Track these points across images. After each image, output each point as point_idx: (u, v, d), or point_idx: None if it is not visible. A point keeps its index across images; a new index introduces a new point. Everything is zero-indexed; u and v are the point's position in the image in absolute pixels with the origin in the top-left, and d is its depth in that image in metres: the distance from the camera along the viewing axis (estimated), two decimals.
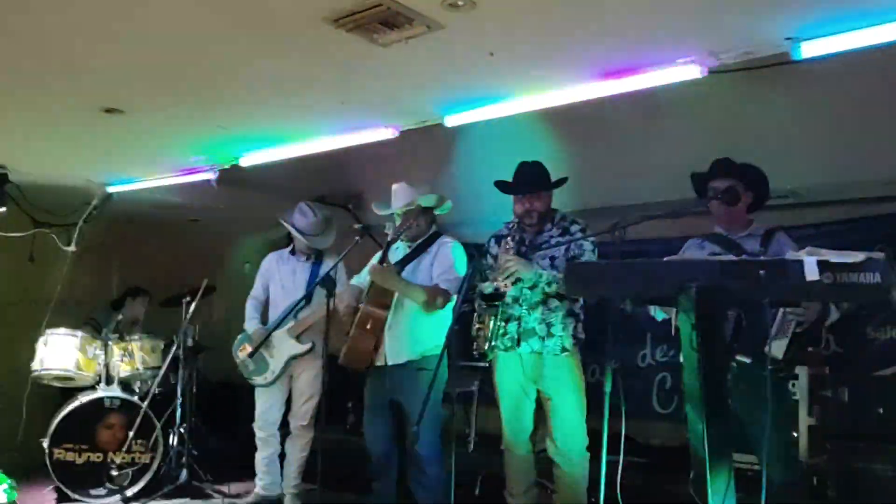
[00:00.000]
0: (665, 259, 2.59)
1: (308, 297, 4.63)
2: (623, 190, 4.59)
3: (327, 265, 4.64)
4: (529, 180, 3.73)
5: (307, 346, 4.61)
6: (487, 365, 4.77)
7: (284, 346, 4.65)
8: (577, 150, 4.35)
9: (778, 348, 3.09)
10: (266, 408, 4.78)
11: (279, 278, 4.85)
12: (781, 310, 3.04)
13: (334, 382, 6.12)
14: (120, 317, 6.05)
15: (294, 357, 4.64)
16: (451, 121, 3.59)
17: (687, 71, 2.90)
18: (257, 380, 4.73)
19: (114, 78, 3.13)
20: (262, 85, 3.23)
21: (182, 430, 5.24)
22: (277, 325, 4.67)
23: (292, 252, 4.87)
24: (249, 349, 4.67)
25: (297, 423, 4.73)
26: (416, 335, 4.00)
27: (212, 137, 4.03)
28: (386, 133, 3.87)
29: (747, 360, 3.10)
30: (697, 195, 3.38)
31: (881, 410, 3.47)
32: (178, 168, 4.79)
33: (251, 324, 4.80)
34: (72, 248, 5.17)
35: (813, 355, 4.24)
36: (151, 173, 4.96)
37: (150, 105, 3.49)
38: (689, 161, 3.46)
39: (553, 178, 3.76)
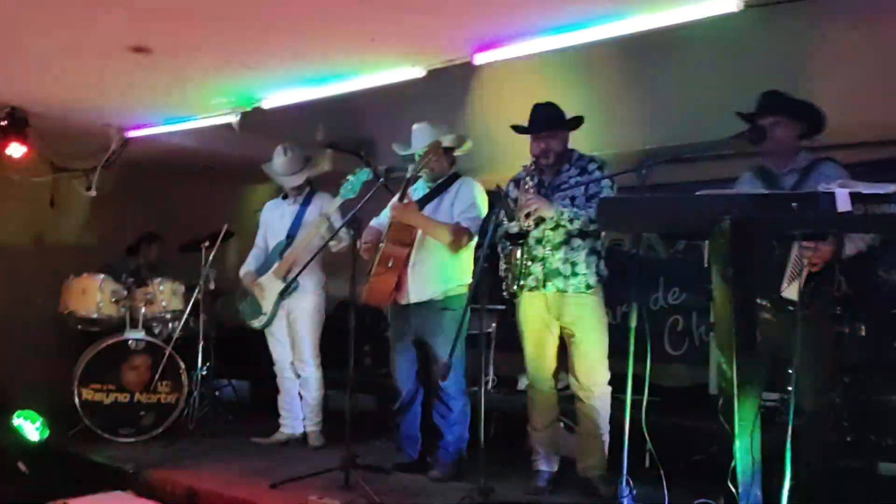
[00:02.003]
0: (697, 193, 2.62)
1: (290, 238, 4.71)
2: (645, 133, 4.57)
3: (316, 205, 4.75)
4: (544, 120, 3.75)
5: (290, 286, 4.62)
6: (504, 308, 4.89)
7: (272, 287, 4.73)
8: (598, 94, 4.35)
9: (792, 291, 3.14)
10: (275, 349, 4.91)
11: (271, 223, 4.94)
12: (794, 251, 3.07)
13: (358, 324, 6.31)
14: (138, 262, 6.16)
15: (282, 296, 4.69)
16: (480, 59, 3.57)
17: (723, 4, 2.86)
18: (254, 323, 4.86)
19: (144, 15, 3.11)
20: (289, 20, 3.20)
21: (205, 372, 5.35)
22: (265, 268, 4.80)
23: (284, 197, 4.94)
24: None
25: (297, 363, 4.83)
26: (439, 274, 4.06)
27: (236, 78, 4.02)
28: (413, 72, 3.86)
29: (764, 302, 3.15)
30: (745, 132, 3.31)
31: None
32: (200, 112, 4.79)
33: (242, 269, 4.94)
34: (92, 192, 5.19)
35: (824, 295, 4.32)
36: (172, 117, 4.95)
37: (176, 43, 3.47)
38: (711, 102, 3.45)
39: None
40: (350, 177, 4.37)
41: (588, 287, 3.71)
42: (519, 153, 3.90)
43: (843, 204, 2.43)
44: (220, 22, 3.29)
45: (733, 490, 2.68)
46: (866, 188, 2.46)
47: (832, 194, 2.46)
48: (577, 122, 3.79)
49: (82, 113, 4.90)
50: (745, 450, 2.69)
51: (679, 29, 3.21)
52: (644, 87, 4.46)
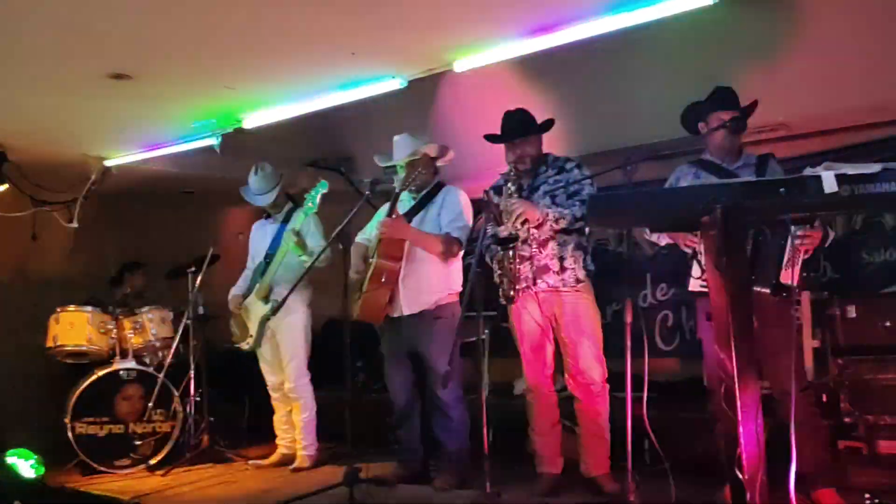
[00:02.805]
0: (686, 185, 2.65)
1: (268, 257, 4.69)
2: (625, 132, 4.62)
3: (300, 220, 4.64)
4: (516, 127, 3.79)
5: (270, 306, 4.59)
6: (494, 314, 4.89)
7: (256, 309, 4.72)
8: (576, 96, 4.39)
9: (789, 277, 3.19)
10: (265, 371, 4.89)
11: (255, 244, 4.95)
12: (791, 239, 3.12)
13: (342, 343, 6.28)
14: (124, 291, 6.10)
15: (267, 318, 4.66)
16: (461, 65, 3.60)
17: None
18: (242, 345, 4.84)
19: (123, 41, 3.10)
20: (269, 41, 3.21)
21: (198, 398, 5.30)
22: (249, 290, 4.79)
23: (267, 216, 4.93)
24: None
25: (287, 385, 4.78)
26: (430, 284, 4.07)
27: (217, 99, 4.01)
28: (393, 84, 3.88)
29: (766, 290, 3.18)
30: (688, 126, 3.40)
31: (888, 324, 3.60)
32: (179, 137, 4.77)
33: (231, 292, 4.92)
34: (74, 224, 5.15)
35: (812, 281, 4.39)
36: (152, 143, 4.92)
37: (157, 68, 3.47)
38: (689, 98, 3.49)
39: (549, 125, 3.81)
40: (311, 191, 4.38)
41: (578, 281, 3.74)
42: (497, 161, 3.95)
43: (830, 185, 2.47)
44: (200, 46, 3.29)
45: (741, 477, 2.70)
46: (851, 169, 2.51)
47: (819, 177, 2.51)
48: (549, 124, 3.83)
49: (61, 144, 4.87)
50: (749, 436, 2.71)
51: (654, 26, 3.25)
52: (621, 86, 4.51)
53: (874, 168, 2.49)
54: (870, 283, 4.59)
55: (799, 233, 3.04)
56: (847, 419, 3.57)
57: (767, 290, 3.15)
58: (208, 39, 3.22)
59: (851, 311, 3.67)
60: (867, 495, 2.51)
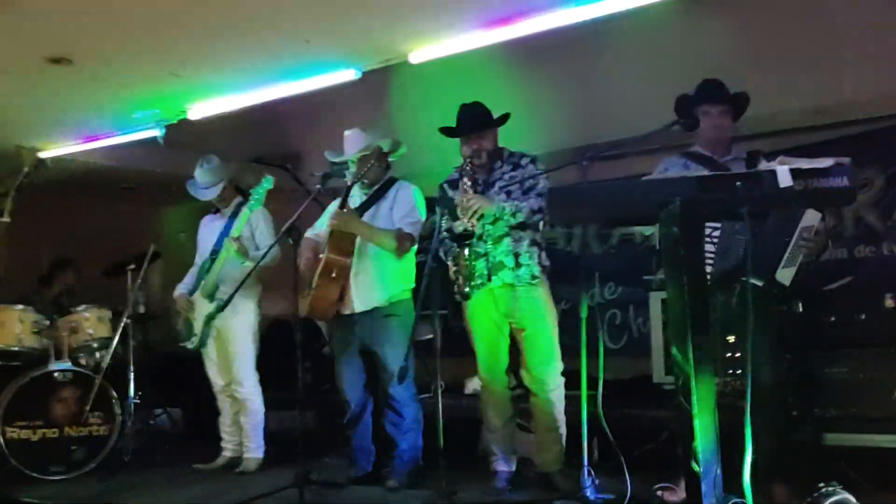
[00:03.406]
0: (645, 178, 2.66)
1: (214, 254, 4.57)
2: (587, 129, 4.62)
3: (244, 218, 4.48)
4: (472, 120, 3.77)
5: (215, 305, 4.48)
6: (445, 312, 4.85)
7: (201, 307, 4.61)
8: (530, 92, 4.38)
9: (786, 276, 3.22)
10: (210, 371, 4.75)
11: (202, 240, 4.82)
12: (794, 238, 3.15)
13: (288, 343, 6.15)
14: (55, 291, 5.86)
15: (212, 317, 4.55)
16: (416, 57, 3.55)
17: None
18: (187, 344, 4.71)
19: (63, 22, 2.94)
20: (220, 25, 3.10)
21: (137, 401, 5.11)
22: (195, 288, 4.66)
23: (216, 211, 4.80)
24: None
25: (234, 385, 4.65)
26: (382, 281, 4.01)
27: (162, 88, 3.86)
28: (348, 74, 3.80)
29: (759, 283, 3.20)
30: (682, 120, 3.39)
31: (833, 319, 3.68)
32: (120, 127, 4.58)
33: (176, 290, 4.77)
34: (6, 218, 4.90)
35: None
36: (91, 134, 4.71)
37: (100, 52, 3.30)
38: (652, 94, 3.51)
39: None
40: (256, 187, 4.25)
41: (534, 277, 3.73)
42: (448, 157, 3.91)
43: (785, 180, 2.51)
44: (146, 28, 3.15)
45: (697, 469, 2.72)
46: (805, 164, 2.56)
47: (774, 172, 2.55)
48: (504, 119, 3.81)
49: None
50: (705, 429, 2.73)
51: (610, 22, 3.26)
52: (576, 84, 4.54)
53: (827, 163, 2.54)
54: (810, 281, 4.70)
55: (806, 235, 3.08)
56: (794, 412, 3.63)
57: (760, 284, 3.16)
58: (155, 22, 3.08)
59: (798, 307, 3.74)
60: (820, 483, 2.53)
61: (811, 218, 3.10)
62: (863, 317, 3.60)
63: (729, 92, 3.39)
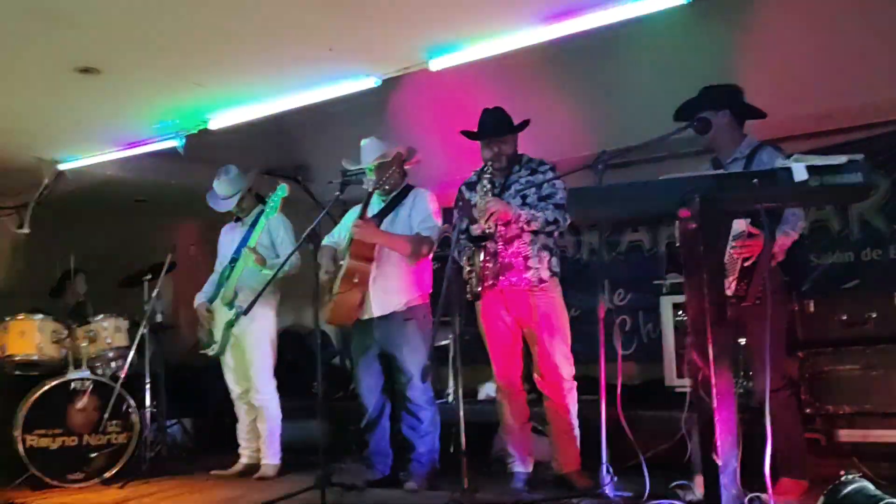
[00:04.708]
0: (663, 177, 2.74)
1: (233, 262, 4.62)
2: (600, 137, 4.68)
3: (260, 226, 4.58)
4: (494, 125, 3.84)
5: (234, 312, 4.55)
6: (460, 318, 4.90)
7: (220, 314, 4.66)
8: (546, 101, 4.46)
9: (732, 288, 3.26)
10: (228, 378, 4.80)
11: (222, 248, 4.87)
12: (727, 251, 3.19)
13: (298, 353, 6.20)
14: (68, 301, 5.92)
15: (231, 324, 4.60)
16: (436, 64, 3.64)
17: None
18: (208, 351, 4.76)
19: (93, 34, 3.02)
20: (244, 35, 3.17)
21: (154, 409, 5.16)
22: (215, 295, 4.71)
23: (237, 220, 4.87)
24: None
25: (252, 392, 4.70)
26: (400, 286, 4.08)
27: (185, 98, 3.94)
28: (368, 83, 3.89)
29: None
30: (694, 122, 3.44)
31: (844, 318, 3.76)
32: (141, 138, 4.66)
33: (196, 297, 4.82)
34: (25, 230, 4.96)
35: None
36: (111, 144, 4.79)
37: (128, 62, 3.39)
38: (666, 104, 3.54)
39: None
40: (272, 195, 4.35)
41: (541, 281, 3.78)
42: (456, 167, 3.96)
43: (800, 174, 2.59)
44: (172, 38, 3.23)
45: (717, 462, 2.77)
46: (820, 160, 2.64)
47: (789, 169, 2.63)
48: (525, 125, 3.90)
49: (14, 146, 4.69)
50: (724, 422, 2.79)
51: (624, 28, 3.34)
52: (592, 91, 4.60)
53: (841, 160, 2.62)
54: (817, 285, 4.78)
55: (735, 242, 3.14)
56: (808, 410, 3.69)
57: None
58: (182, 32, 3.17)
59: (810, 306, 3.82)
60: (841, 471, 2.59)
61: (740, 226, 3.12)
62: (874, 315, 3.67)
63: (717, 95, 3.43)
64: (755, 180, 2.65)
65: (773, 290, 3.24)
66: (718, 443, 2.78)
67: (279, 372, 4.81)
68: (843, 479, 2.56)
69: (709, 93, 3.47)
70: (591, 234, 5.93)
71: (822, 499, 2.56)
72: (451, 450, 4.14)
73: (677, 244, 2.88)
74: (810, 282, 4.69)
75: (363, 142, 4.22)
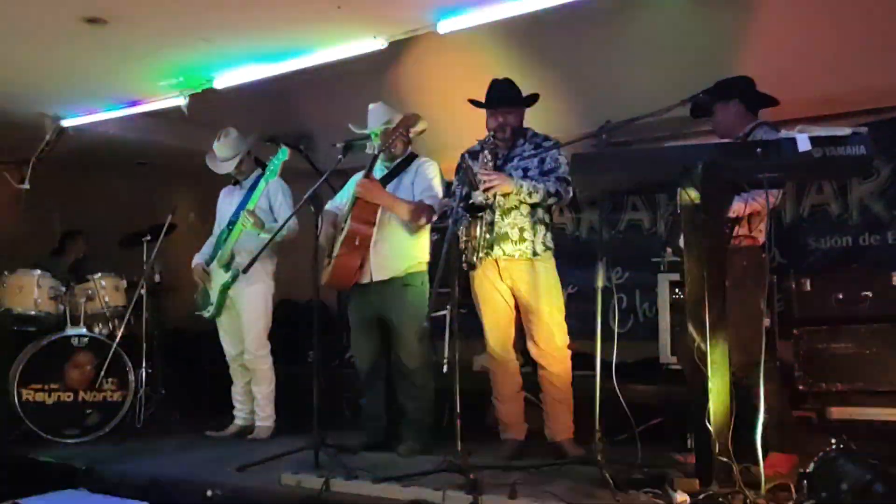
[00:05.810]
0: (667, 145, 2.75)
1: (231, 225, 4.62)
2: (603, 113, 4.68)
3: (260, 190, 4.58)
4: (502, 95, 3.83)
5: (230, 274, 4.57)
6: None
7: (217, 276, 4.67)
8: (552, 76, 4.44)
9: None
10: (224, 341, 4.81)
11: (221, 210, 4.87)
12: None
13: (294, 322, 6.20)
14: (69, 260, 5.93)
15: (227, 286, 4.61)
16: (444, 27, 3.61)
17: None
18: (203, 313, 4.77)
19: None
20: None
21: (150, 370, 5.18)
22: (212, 258, 4.71)
23: (235, 182, 4.86)
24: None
25: (246, 355, 4.71)
26: (400, 252, 4.08)
27: (191, 54, 3.91)
28: (375, 45, 3.87)
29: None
30: (699, 94, 3.44)
31: (840, 296, 3.79)
32: (146, 95, 4.63)
33: (194, 259, 4.83)
34: (25, 185, 4.95)
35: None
36: (115, 101, 4.76)
37: (135, 13, 3.36)
38: (669, 82, 3.54)
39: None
40: (272, 159, 4.35)
41: (535, 253, 3.80)
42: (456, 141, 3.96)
43: (804, 144, 2.61)
44: None
45: (710, 429, 2.80)
46: (823, 131, 2.65)
47: (793, 139, 2.64)
48: (534, 98, 3.89)
49: (17, 100, 4.67)
50: (718, 391, 2.82)
51: (627, 5, 3.33)
52: (591, 68, 4.58)
53: (845, 131, 2.64)
54: (815, 268, 4.81)
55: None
56: (801, 387, 3.73)
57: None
58: None
59: (806, 285, 3.85)
60: (833, 439, 2.62)
61: None
62: (869, 294, 3.69)
63: (713, 88, 3.41)
64: (759, 150, 2.66)
65: (749, 266, 3.26)
66: (712, 410, 2.82)
67: (276, 340, 4.82)
68: (833, 445, 2.59)
69: (719, 85, 3.48)
70: (591, 212, 5.93)
71: (811, 465, 2.59)
72: (444, 423, 4.17)
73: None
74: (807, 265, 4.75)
75: (371, 106, 4.21)
